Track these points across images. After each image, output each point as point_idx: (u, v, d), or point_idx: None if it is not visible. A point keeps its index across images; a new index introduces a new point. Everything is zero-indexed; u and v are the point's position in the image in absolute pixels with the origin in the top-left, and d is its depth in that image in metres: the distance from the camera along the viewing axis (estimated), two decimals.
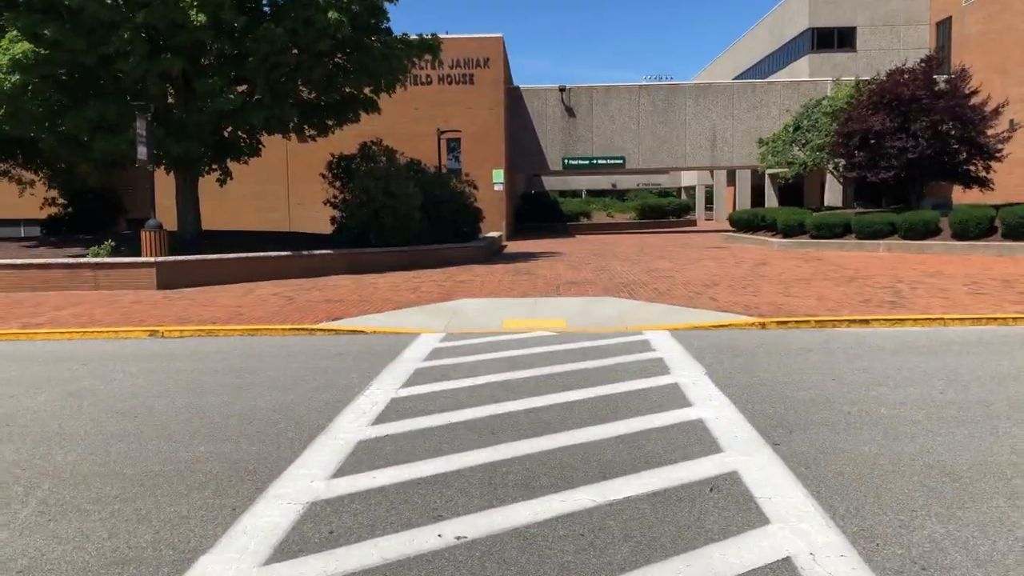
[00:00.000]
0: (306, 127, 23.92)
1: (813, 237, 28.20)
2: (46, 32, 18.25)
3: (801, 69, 51.50)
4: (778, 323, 11.81)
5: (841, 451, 5.96)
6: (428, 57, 25.46)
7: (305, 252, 21.29)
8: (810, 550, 4.33)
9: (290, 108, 21.88)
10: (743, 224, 35.06)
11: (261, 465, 5.91)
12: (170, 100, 22.52)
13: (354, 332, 12.03)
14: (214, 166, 24.12)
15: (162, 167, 22.31)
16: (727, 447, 6.10)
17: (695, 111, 45.80)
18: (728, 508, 4.93)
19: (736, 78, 61.14)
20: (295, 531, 4.73)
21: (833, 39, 51.21)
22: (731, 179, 59.51)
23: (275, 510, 5.04)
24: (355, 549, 4.47)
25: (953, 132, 26.99)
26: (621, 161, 46.23)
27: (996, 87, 34.28)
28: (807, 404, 7.32)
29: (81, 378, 9.18)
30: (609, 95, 45.93)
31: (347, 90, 23.89)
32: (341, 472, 5.72)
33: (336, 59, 22.84)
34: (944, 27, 45.83)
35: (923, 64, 28.46)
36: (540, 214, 53.08)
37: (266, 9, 21.72)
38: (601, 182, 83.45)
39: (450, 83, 40.20)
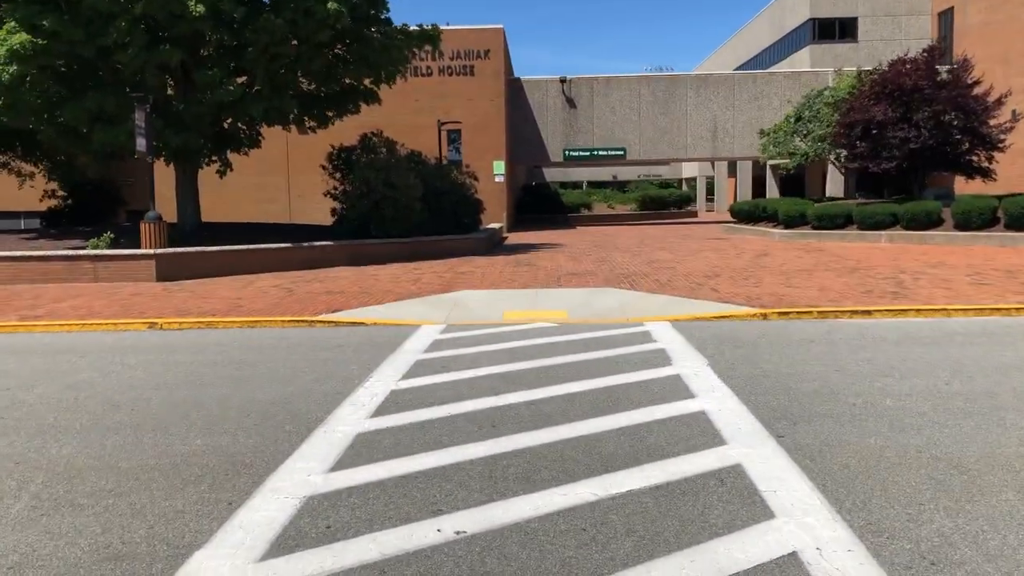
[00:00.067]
0: (306, 118, 23.82)
1: (814, 228, 28.10)
2: (44, 23, 18.15)
3: (802, 60, 51.31)
4: (780, 314, 11.73)
5: (846, 443, 5.88)
6: (428, 48, 25.37)
7: (305, 244, 21.21)
8: (816, 544, 4.25)
9: (290, 99, 21.77)
10: (744, 215, 34.96)
11: (258, 458, 5.84)
12: (169, 91, 22.40)
13: (354, 324, 11.95)
14: (214, 158, 24.02)
15: (161, 159, 22.21)
16: (730, 439, 6.01)
17: (696, 102, 45.62)
18: (732, 502, 4.85)
19: (737, 69, 60.93)
20: (292, 526, 4.65)
21: (834, 29, 51.01)
22: (732, 170, 59.38)
23: (272, 504, 4.96)
24: (353, 544, 4.39)
25: (955, 122, 26.87)
26: (622, 152, 46.08)
27: (998, 77, 34.08)
28: (811, 395, 7.24)
29: (79, 370, 9.11)
30: (610, 86, 45.76)
31: (347, 81, 23.78)
32: (339, 465, 5.65)
33: (336, 50, 22.72)
34: (946, 17, 45.60)
35: (925, 54, 28.32)
36: (541, 206, 52.99)
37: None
38: (602, 174, 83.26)
39: (450, 74, 40.04)
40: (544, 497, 4.97)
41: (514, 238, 33.93)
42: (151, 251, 18.35)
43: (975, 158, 27.97)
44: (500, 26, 40.69)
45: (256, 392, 7.83)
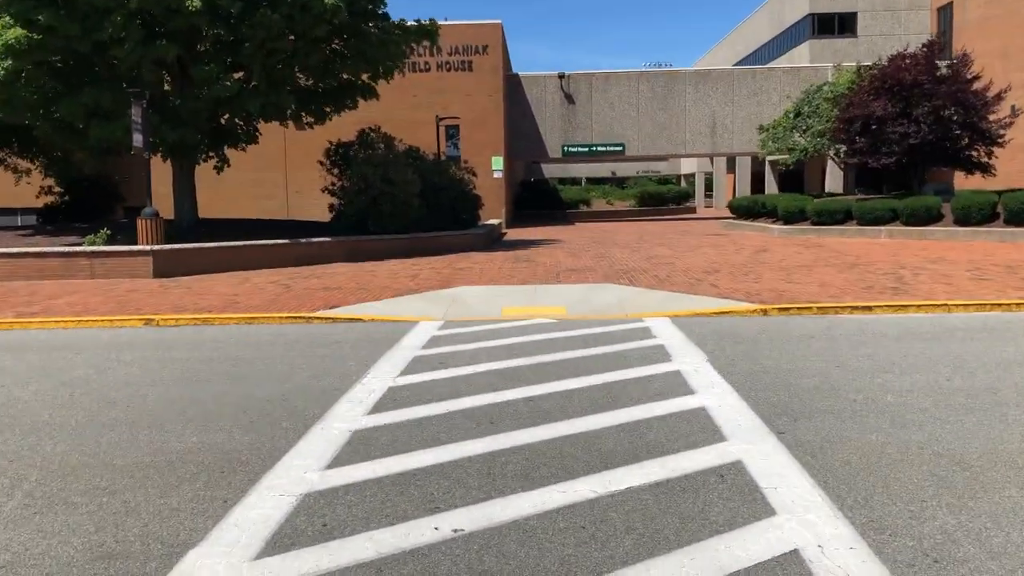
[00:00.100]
0: (303, 114, 23.72)
1: (814, 224, 28.04)
2: (39, 18, 18.05)
3: (801, 55, 51.22)
4: (780, 310, 11.68)
5: (847, 439, 5.83)
6: (426, 43, 25.25)
7: (303, 240, 21.14)
8: (818, 542, 4.20)
9: (287, 95, 21.68)
10: (743, 211, 34.89)
11: (254, 456, 5.78)
12: (166, 87, 22.31)
13: (352, 320, 11.89)
14: (211, 153, 23.93)
15: (158, 155, 22.12)
16: (731, 436, 5.96)
17: (695, 98, 45.54)
18: (733, 499, 4.80)
19: (736, 64, 60.83)
20: (288, 524, 4.60)
21: (834, 25, 50.93)
22: (731, 166, 59.30)
23: (268, 502, 4.91)
24: (349, 542, 4.34)
25: (955, 117, 26.80)
26: (621, 148, 46.01)
27: (997, 72, 34.01)
28: (811, 391, 7.19)
29: (74, 367, 9.05)
30: (608, 82, 45.66)
31: (344, 76, 23.69)
32: (336, 463, 5.59)
33: (333, 45, 22.63)
34: (945, 12, 45.53)
35: (925, 49, 28.25)
36: (540, 202, 52.91)
37: None
38: (600, 170, 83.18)
39: (449, 70, 39.95)
40: (543, 495, 4.91)
41: (513, 234, 33.86)
42: (148, 247, 18.28)
43: (975, 153, 27.90)
44: (498, 21, 40.61)
45: (253, 389, 7.78)
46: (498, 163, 39.82)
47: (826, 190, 41.79)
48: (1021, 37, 37.03)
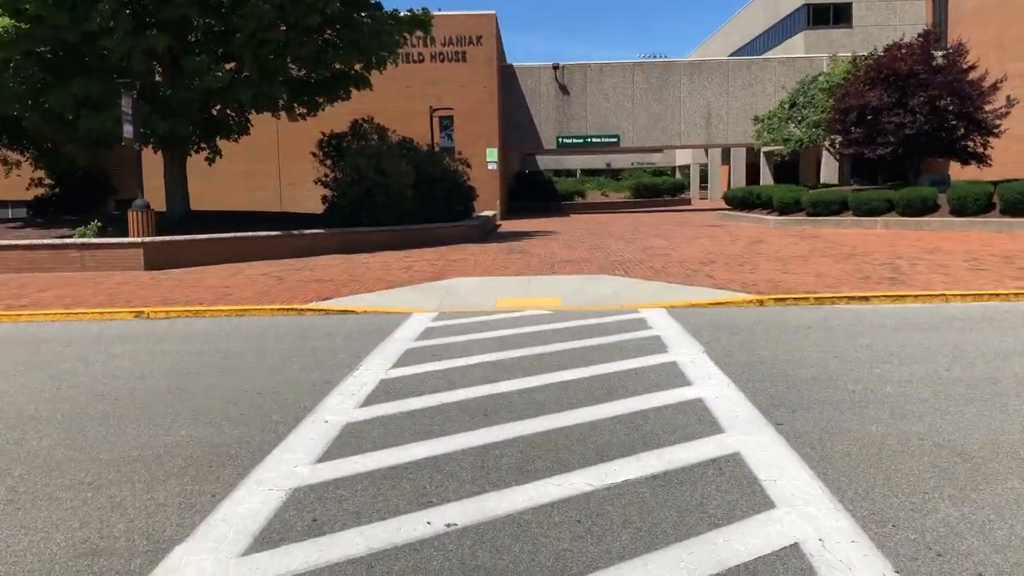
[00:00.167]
0: (296, 105, 23.55)
1: (809, 215, 27.97)
2: (27, 7, 17.85)
3: (796, 46, 51.11)
4: (776, 300, 11.59)
5: (847, 431, 5.74)
6: (420, 34, 25.11)
7: (295, 232, 21.00)
8: (819, 535, 4.11)
9: (279, 85, 21.50)
10: (738, 202, 34.81)
11: (244, 449, 5.67)
12: (157, 78, 22.11)
13: (344, 312, 11.78)
14: (202, 144, 23.76)
15: (149, 146, 21.94)
16: (728, 427, 5.87)
17: (690, 89, 45.39)
18: (731, 491, 4.71)
19: (731, 55, 60.68)
20: (277, 519, 4.49)
21: (829, 15, 50.83)
22: (726, 157, 59.23)
23: (256, 496, 4.80)
24: (339, 538, 4.23)
25: (951, 108, 26.73)
26: (615, 139, 45.86)
27: (992, 62, 33.89)
28: (809, 382, 7.10)
29: (63, 360, 8.92)
30: (603, 73, 45.49)
31: (337, 67, 23.52)
32: (327, 456, 5.48)
33: (325, 35, 22.45)
34: (940, 2, 45.35)
35: (921, 39, 28.14)
36: (534, 193, 52.77)
37: None
38: (595, 161, 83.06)
39: (442, 60, 39.74)
40: (538, 488, 4.82)
41: (507, 226, 33.74)
42: (139, 239, 18.12)
43: (970, 144, 27.85)
44: (492, 12, 40.39)
45: (243, 381, 7.66)
46: (493, 155, 39.66)
47: (821, 181, 41.73)
48: (1016, 27, 36.92)
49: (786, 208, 29.23)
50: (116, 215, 22.81)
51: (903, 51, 27.56)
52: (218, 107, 22.90)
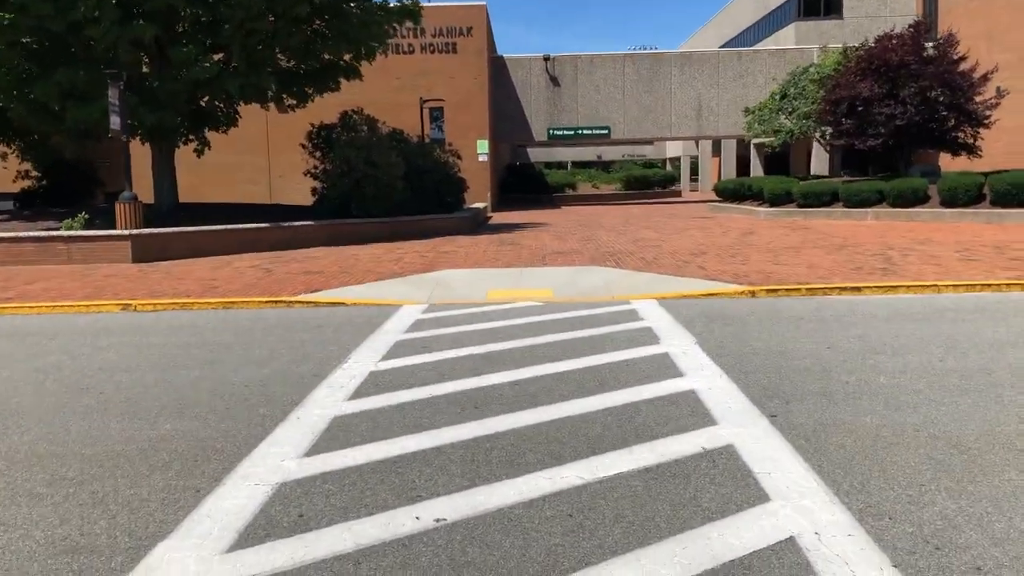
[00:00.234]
0: (285, 96, 23.34)
1: (800, 206, 27.92)
2: None
3: (787, 37, 51.02)
4: (768, 291, 11.53)
5: (841, 422, 5.68)
6: (410, 24, 24.91)
7: (284, 223, 20.82)
8: (815, 529, 4.04)
9: (268, 76, 21.30)
10: (729, 194, 34.74)
11: (230, 443, 5.57)
12: (144, 68, 21.87)
13: (333, 304, 11.66)
14: (191, 136, 23.53)
15: (137, 137, 21.72)
16: (721, 419, 5.80)
17: (680, 80, 45.27)
18: (725, 484, 4.64)
19: (722, 47, 60.56)
20: (262, 514, 4.40)
21: (819, 6, 50.72)
22: (716, 149, 59.18)
23: (242, 491, 4.71)
24: (326, 534, 4.15)
25: (942, 99, 26.70)
26: (606, 131, 45.72)
27: (982, 53, 33.92)
28: (803, 373, 7.03)
29: (48, 353, 8.79)
30: (594, 64, 45.31)
31: (326, 57, 23.32)
32: (314, 450, 5.39)
33: (314, 25, 22.24)
34: None
35: (911, 29, 28.08)
36: (525, 185, 52.58)
37: None
38: (586, 154, 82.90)
39: (433, 52, 39.51)
40: (529, 481, 4.74)
41: (498, 218, 33.61)
42: (126, 232, 17.93)
43: (961, 135, 27.83)
44: (483, 3, 40.11)
45: (230, 374, 7.56)
46: (483, 146, 39.48)
47: (812, 172, 41.71)
48: (1006, 18, 36.95)
49: (777, 199, 29.17)
50: (104, 207, 22.57)
51: (894, 42, 27.50)
52: (206, 98, 22.67)
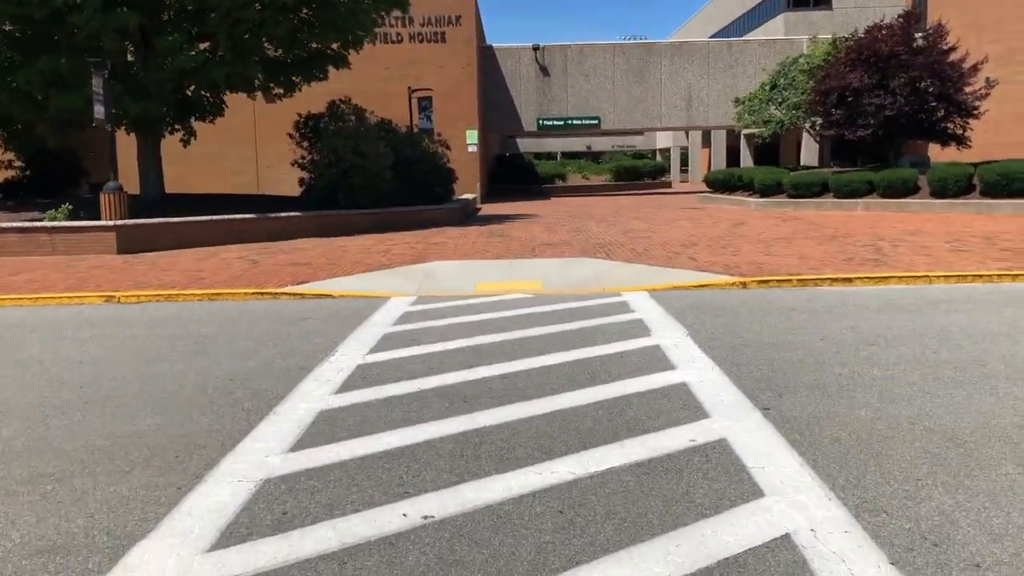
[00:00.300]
0: (272, 85, 23.11)
1: (791, 197, 27.88)
2: None
3: (776, 28, 50.95)
4: (759, 282, 11.46)
5: (835, 415, 5.60)
6: (397, 13, 24.73)
7: (272, 214, 20.64)
8: (810, 525, 3.96)
9: (254, 65, 21.05)
10: (719, 184, 34.67)
11: (213, 439, 5.46)
12: (129, 57, 21.60)
13: (321, 296, 11.53)
14: (176, 126, 23.27)
15: (122, 127, 21.47)
16: (713, 412, 5.72)
17: (670, 70, 45.16)
18: (718, 479, 4.55)
19: (712, 37, 60.43)
20: (245, 512, 4.29)
21: None
22: (706, 140, 59.10)
23: (224, 489, 4.59)
24: (311, 532, 4.04)
25: (931, 89, 26.67)
26: (596, 121, 45.59)
27: (972, 44, 33.89)
28: (795, 365, 6.96)
29: (28, 346, 8.64)
30: (584, 54, 45.14)
31: (314, 46, 23.07)
32: (299, 446, 5.28)
33: (301, 14, 21.97)
34: None
35: (901, 20, 28.04)
36: (515, 176, 52.39)
37: None
38: (576, 144, 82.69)
39: (421, 41, 39.25)
40: (518, 477, 4.64)
41: (488, 209, 33.45)
42: (111, 223, 17.73)
43: (950, 125, 27.83)
44: None
45: (214, 367, 7.43)
46: (472, 137, 39.29)
47: (802, 163, 41.70)
48: (995, 9, 36.94)
49: (767, 190, 29.13)
50: (88, 198, 22.31)
51: (884, 32, 27.45)
52: (192, 87, 22.41)
